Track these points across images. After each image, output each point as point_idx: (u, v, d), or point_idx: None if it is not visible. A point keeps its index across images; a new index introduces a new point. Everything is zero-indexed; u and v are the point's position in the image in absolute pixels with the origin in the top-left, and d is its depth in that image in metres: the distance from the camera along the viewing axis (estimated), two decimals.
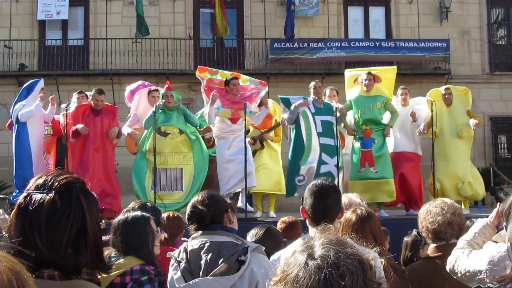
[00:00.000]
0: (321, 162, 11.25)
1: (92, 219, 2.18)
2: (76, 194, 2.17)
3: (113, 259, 4.20)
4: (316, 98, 11.54)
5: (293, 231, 6.27)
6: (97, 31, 23.31)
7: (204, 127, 12.24)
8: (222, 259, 3.69)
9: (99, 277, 2.29)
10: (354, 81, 12.12)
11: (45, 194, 2.13)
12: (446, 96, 11.96)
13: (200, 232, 3.88)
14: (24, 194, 2.17)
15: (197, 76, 11.82)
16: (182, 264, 3.80)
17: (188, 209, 3.95)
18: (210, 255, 3.74)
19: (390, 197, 11.52)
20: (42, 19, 22.90)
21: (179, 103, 11.53)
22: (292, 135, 11.72)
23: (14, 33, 22.75)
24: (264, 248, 3.94)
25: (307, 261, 1.60)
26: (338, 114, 11.22)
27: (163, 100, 11.41)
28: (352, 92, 11.99)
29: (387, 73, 12.27)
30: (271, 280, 1.70)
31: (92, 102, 11.63)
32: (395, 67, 12.81)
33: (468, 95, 12.41)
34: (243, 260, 3.66)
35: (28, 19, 23.22)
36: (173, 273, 3.83)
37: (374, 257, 1.75)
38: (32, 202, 2.12)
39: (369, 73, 11.83)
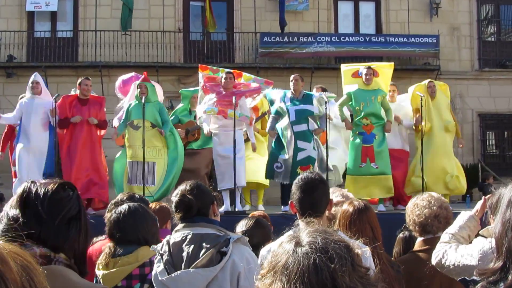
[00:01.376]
0: (297, 149, 11.23)
1: (85, 219, 2.39)
2: (77, 194, 2.39)
3: (120, 251, 4.23)
4: (293, 92, 11.53)
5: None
6: (86, 23, 23.20)
7: (186, 121, 12.24)
8: (203, 251, 3.68)
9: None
10: (352, 75, 12.09)
11: (50, 182, 2.36)
12: (430, 89, 11.95)
13: (182, 224, 3.87)
14: (29, 181, 2.39)
15: (199, 74, 11.79)
16: (165, 257, 3.79)
17: (176, 197, 3.93)
18: (192, 247, 3.73)
19: (388, 192, 11.55)
20: (31, 10, 22.75)
21: (162, 133, 11.45)
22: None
23: (3, 24, 22.61)
24: (247, 239, 3.94)
25: (295, 248, 1.61)
26: (325, 105, 11.23)
27: (138, 90, 11.40)
28: (351, 86, 11.95)
29: (385, 69, 12.30)
30: (258, 274, 1.70)
31: (79, 92, 11.64)
32: (392, 63, 12.81)
33: (447, 90, 12.49)
34: (225, 252, 3.66)
35: (17, 10, 23.09)
36: (156, 266, 3.83)
37: (358, 245, 1.76)
38: (38, 184, 2.33)
39: (369, 68, 11.83)
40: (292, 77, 11.73)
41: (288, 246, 1.64)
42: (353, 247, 1.66)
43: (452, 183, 11.73)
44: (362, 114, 11.55)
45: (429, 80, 12.40)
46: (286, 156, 11.23)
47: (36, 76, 11.92)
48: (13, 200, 2.32)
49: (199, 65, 12.48)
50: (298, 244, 1.62)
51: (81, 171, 11.24)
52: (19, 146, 11.50)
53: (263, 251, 3.98)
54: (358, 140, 11.64)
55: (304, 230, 1.69)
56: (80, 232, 2.31)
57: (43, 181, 2.36)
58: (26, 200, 2.26)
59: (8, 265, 1.16)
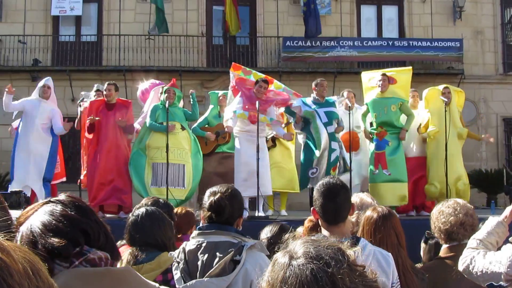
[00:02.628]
0: (331, 150, 11.24)
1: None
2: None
3: (141, 258, 4.24)
4: (317, 97, 11.51)
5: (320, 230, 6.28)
6: (110, 27, 23.39)
7: (216, 124, 12.24)
8: (217, 260, 3.67)
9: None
10: (369, 83, 12.00)
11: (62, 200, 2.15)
12: (445, 95, 11.81)
13: (197, 232, 3.86)
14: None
15: (230, 73, 11.78)
16: (181, 265, 3.80)
17: (214, 197, 3.87)
18: (206, 255, 3.72)
19: (401, 200, 11.40)
20: (56, 14, 22.97)
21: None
22: (301, 138, 11.73)
23: (28, 29, 22.85)
24: (265, 243, 3.92)
25: (290, 261, 1.62)
26: (343, 107, 11.27)
27: (165, 95, 11.42)
28: (370, 95, 11.89)
29: (403, 74, 12.14)
30: None
31: (105, 96, 11.70)
32: (410, 68, 12.69)
33: (460, 97, 12.32)
34: (238, 260, 3.64)
35: (42, 15, 23.32)
36: (174, 273, 3.84)
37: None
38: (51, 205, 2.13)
39: (383, 74, 11.70)
40: (319, 81, 11.69)
41: (282, 260, 1.65)
42: (345, 249, 1.67)
43: (463, 191, 11.54)
44: (377, 124, 11.52)
45: (444, 86, 12.21)
46: (319, 157, 11.18)
47: (48, 81, 11.98)
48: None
49: (232, 63, 12.42)
50: (292, 257, 1.63)
51: (106, 176, 11.19)
52: (18, 149, 11.57)
53: None
54: (371, 147, 11.64)
55: (295, 243, 1.71)
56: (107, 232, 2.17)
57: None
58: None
59: (10, 254, 1.17)
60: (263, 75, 11.88)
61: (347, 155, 11.48)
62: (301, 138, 11.77)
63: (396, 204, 11.34)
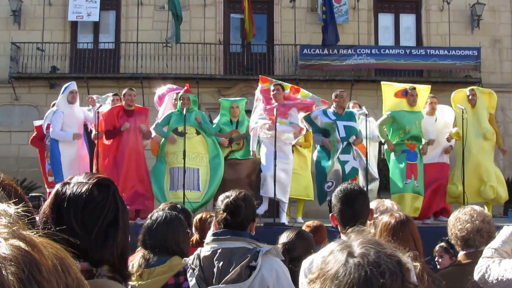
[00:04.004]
0: (342, 163, 11.23)
1: (124, 217, 2.24)
2: (114, 190, 2.24)
3: (153, 261, 4.25)
4: (336, 109, 11.50)
5: (318, 235, 6.28)
6: (128, 35, 23.48)
7: (228, 131, 12.28)
8: (233, 266, 3.67)
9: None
10: (395, 95, 11.96)
11: (84, 183, 2.20)
12: (471, 98, 11.84)
13: (211, 238, 3.86)
14: (60, 183, 2.24)
15: (259, 85, 11.88)
16: (196, 272, 3.80)
17: (229, 199, 3.89)
18: (222, 262, 3.72)
19: (414, 212, 11.39)
20: (72, 20, 23.09)
21: (199, 118, 11.56)
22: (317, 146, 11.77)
23: (47, 36, 22.99)
24: (281, 249, 3.92)
25: (347, 258, 1.60)
26: (362, 119, 11.23)
27: (180, 102, 11.49)
28: (393, 105, 11.88)
29: (423, 91, 12.18)
30: (307, 278, 1.71)
31: (124, 102, 11.76)
32: (429, 86, 12.73)
33: (491, 98, 12.29)
34: (254, 266, 3.64)
35: (61, 22, 23.47)
36: (189, 280, 3.84)
37: (408, 260, 1.74)
38: (71, 187, 2.19)
39: (415, 89, 11.74)
40: (338, 93, 11.69)
41: (339, 255, 1.63)
42: (404, 262, 1.65)
43: (485, 192, 11.54)
44: (407, 136, 11.49)
45: (470, 88, 12.24)
46: (333, 170, 11.18)
47: (75, 85, 12.08)
48: (45, 209, 2.20)
49: (260, 76, 12.53)
50: (350, 254, 1.61)
51: (128, 182, 11.32)
52: (65, 155, 11.63)
53: (305, 263, 3.97)
54: (402, 158, 11.57)
55: (357, 240, 1.68)
56: (117, 233, 2.20)
57: (76, 181, 2.22)
58: (59, 211, 2.15)
59: (39, 249, 1.18)
60: (288, 85, 11.97)
61: (372, 165, 11.58)
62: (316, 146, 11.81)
63: (411, 215, 11.39)
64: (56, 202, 2.17)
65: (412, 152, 11.50)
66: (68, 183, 2.22)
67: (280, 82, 12.00)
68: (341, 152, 11.21)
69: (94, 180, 2.23)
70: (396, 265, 1.60)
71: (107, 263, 2.19)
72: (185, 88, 11.87)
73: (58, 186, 2.23)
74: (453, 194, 11.57)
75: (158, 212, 4.53)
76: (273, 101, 11.33)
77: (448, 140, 12.06)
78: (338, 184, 10.88)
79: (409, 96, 11.62)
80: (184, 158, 10.90)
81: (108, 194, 2.22)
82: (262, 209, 11.24)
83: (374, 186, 11.80)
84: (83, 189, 2.18)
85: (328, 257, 1.66)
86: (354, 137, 11.33)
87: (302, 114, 11.61)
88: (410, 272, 1.66)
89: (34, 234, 1.22)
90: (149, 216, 4.60)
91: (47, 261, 1.16)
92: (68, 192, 2.18)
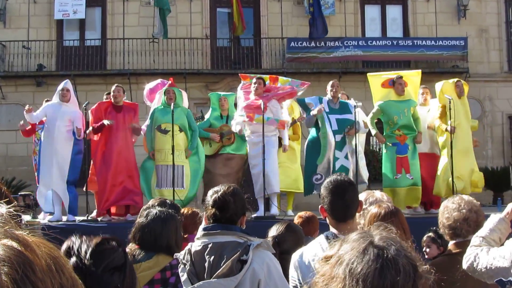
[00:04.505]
0: (335, 159, 11.29)
1: (131, 272, 2.32)
2: (123, 248, 2.34)
3: (139, 257, 4.24)
4: (332, 98, 11.55)
5: (310, 226, 6.29)
6: (114, 31, 23.43)
7: (219, 125, 12.27)
8: (224, 260, 3.66)
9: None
10: (382, 85, 11.98)
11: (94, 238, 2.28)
12: (459, 88, 11.78)
13: (202, 232, 3.84)
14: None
15: (241, 83, 11.91)
16: (187, 267, 3.79)
17: (217, 194, 3.87)
18: (213, 256, 3.71)
19: (415, 202, 11.51)
20: (59, 18, 23.01)
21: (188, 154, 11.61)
22: (309, 136, 11.78)
23: (32, 34, 22.91)
24: (271, 242, 3.91)
25: (367, 247, 1.61)
26: (357, 112, 11.22)
27: (165, 97, 11.48)
28: (381, 96, 11.88)
29: (413, 77, 12.21)
30: (321, 257, 1.71)
31: (112, 98, 11.72)
32: (419, 71, 12.70)
33: (467, 90, 12.34)
34: (245, 260, 3.63)
35: (46, 20, 23.39)
36: (181, 275, 3.82)
37: (424, 268, 1.74)
38: (82, 239, 2.27)
39: (401, 77, 11.72)
40: (332, 83, 11.78)
41: (360, 242, 1.63)
42: (420, 269, 1.65)
43: (479, 180, 11.64)
44: (397, 126, 11.49)
45: (457, 79, 12.25)
46: (324, 164, 11.22)
47: (67, 84, 11.96)
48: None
49: (239, 74, 12.55)
50: (371, 244, 1.62)
51: (117, 178, 11.31)
52: (42, 153, 11.61)
53: (295, 255, 3.96)
54: (392, 151, 11.58)
55: (379, 233, 1.69)
56: (123, 283, 2.24)
57: (87, 237, 2.29)
58: (68, 251, 2.20)
59: (32, 249, 1.16)
60: (267, 76, 11.96)
61: (362, 167, 11.63)
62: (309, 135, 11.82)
63: (410, 204, 11.47)
64: (67, 249, 2.22)
65: (402, 145, 11.48)
66: (79, 237, 2.26)
67: (259, 75, 12.00)
68: (337, 147, 11.29)
69: (105, 236, 2.28)
70: (411, 269, 1.60)
71: None
72: (169, 82, 11.83)
73: (70, 240, 2.28)
74: (444, 187, 11.55)
75: (152, 210, 4.51)
76: (251, 95, 11.31)
77: (431, 127, 12.02)
78: (327, 177, 10.96)
79: (397, 85, 11.60)
80: (173, 154, 10.90)
81: (118, 246, 2.29)
82: (259, 213, 11.20)
83: (360, 189, 11.77)
84: (94, 240, 2.23)
85: (348, 244, 1.66)
86: (348, 127, 11.34)
87: (286, 103, 11.64)
88: (423, 280, 1.66)
89: (27, 233, 1.21)
90: (143, 213, 4.58)
91: (40, 261, 1.15)
92: (78, 242, 2.22)
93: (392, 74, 12.17)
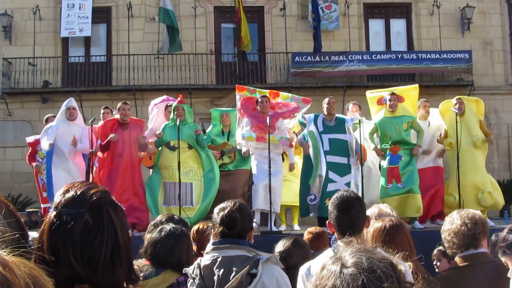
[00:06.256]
0: (327, 180, 11.14)
1: (123, 233, 2.09)
2: (107, 210, 2.09)
3: (147, 273, 4.23)
4: (326, 115, 11.50)
5: (320, 241, 6.29)
6: (119, 47, 23.50)
7: (220, 142, 12.24)
8: (233, 274, 3.67)
9: None
10: (377, 102, 12.06)
11: (76, 212, 2.03)
12: (457, 106, 11.80)
13: (212, 247, 3.87)
14: (54, 212, 2.06)
15: (236, 95, 11.87)
16: (197, 281, 3.79)
17: (224, 212, 3.90)
18: (222, 270, 3.73)
19: (417, 212, 11.36)
20: (65, 36, 23.10)
21: (199, 130, 11.52)
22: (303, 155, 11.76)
23: (38, 51, 22.98)
24: (278, 257, 3.92)
25: (341, 270, 1.60)
26: (360, 127, 11.18)
27: (175, 113, 11.47)
28: (378, 114, 11.92)
29: (410, 92, 12.18)
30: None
31: (119, 116, 11.73)
32: (416, 85, 12.70)
33: (479, 105, 12.33)
34: (255, 274, 3.64)
35: (52, 37, 23.48)
36: None
37: (400, 261, 1.76)
38: (64, 221, 2.01)
39: (392, 94, 11.75)
40: (327, 100, 11.67)
41: (333, 267, 1.63)
42: (397, 264, 1.66)
43: (484, 200, 11.60)
44: (390, 142, 11.53)
45: (457, 97, 12.25)
46: (317, 184, 11.16)
47: (72, 102, 11.98)
48: (40, 239, 2.05)
49: (236, 85, 12.48)
50: (343, 265, 1.62)
51: (122, 195, 11.16)
52: (56, 171, 11.58)
53: (302, 269, 3.97)
54: (385, 162, 11.61)
55: (346, 250, 1.69)
56: (122, 256, 2.04)
57: (68, 211, 2.03)
58: (54, 246, 1.99)
59: (10, 269, 1.16)
60: (267, 91, 11.94)
61: (372, 187, 11.62)
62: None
63: (413, 215, 11.38)
64: (53, 240, 2.01)
65: (394, 156, 11.50)
66: (61, 215, 2.03)
67: (260, 90, 11.98)
68: (332, 168, 11.19)
69: (87, 203, 2.07)
70: (389, 267, 1.61)
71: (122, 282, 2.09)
72: (178, 99, 11.81)
73: (51, 218, 2.05)
74: (451, 205, 11.54)
75: (166, 226, 4.51)
76: (258, 113, 11.29)
77: (440, 142, 12.08)
78: (319, 199, 10.94)
79: (388, 102, 11.66)
80: (179, 171, 10.86)
81: (103, 217, 2.06)
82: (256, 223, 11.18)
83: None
84: (77, 222, 2.00)
85: (322, 272, 1.66)
86: (343, 156, 11.28)
87: (288, 120, 11.65)
88: (403, 272, 1.67)
89: (6, 253, 1.21)
90: (155, 229, 4.57)
91: (19, 281, 1.15)
92: (63, 228, 2.00)
93: (386, 91, 12.25)
